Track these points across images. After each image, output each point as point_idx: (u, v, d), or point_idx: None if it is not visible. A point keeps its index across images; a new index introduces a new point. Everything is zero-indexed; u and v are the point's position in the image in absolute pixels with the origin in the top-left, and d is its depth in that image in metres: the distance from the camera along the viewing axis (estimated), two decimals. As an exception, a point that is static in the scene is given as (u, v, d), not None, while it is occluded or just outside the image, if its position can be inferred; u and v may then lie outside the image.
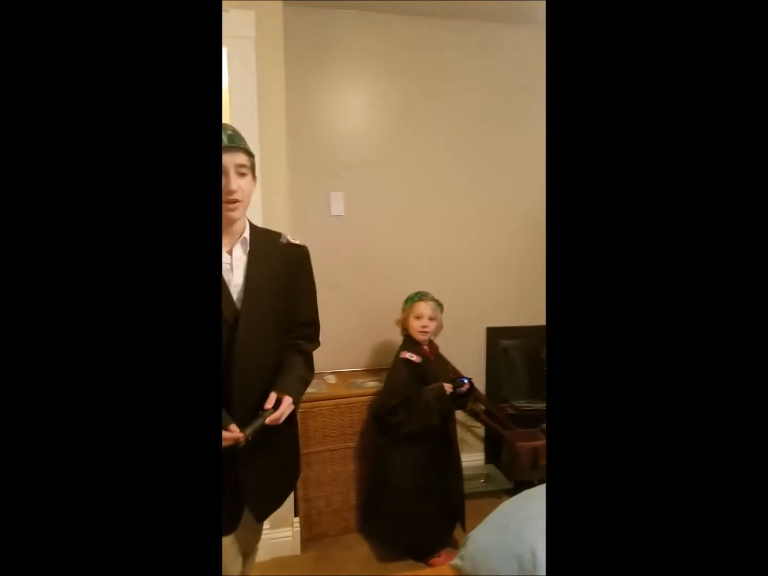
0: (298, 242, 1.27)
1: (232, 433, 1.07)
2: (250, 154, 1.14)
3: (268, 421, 1.12)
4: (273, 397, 1.14)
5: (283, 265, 1.22)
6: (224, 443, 1.04)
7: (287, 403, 1.16)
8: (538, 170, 2.50)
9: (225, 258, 1.15)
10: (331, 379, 2.21)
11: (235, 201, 1.09)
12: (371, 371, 2.33)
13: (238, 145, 1.11)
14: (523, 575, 1.21)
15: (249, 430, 1.09)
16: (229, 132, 1.11)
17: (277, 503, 1.34)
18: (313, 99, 2.22)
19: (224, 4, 1.70)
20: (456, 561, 1.42)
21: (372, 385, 2.16)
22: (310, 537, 2.05)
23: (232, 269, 1.16)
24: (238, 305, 1.15)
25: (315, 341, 1.34)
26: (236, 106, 1.72)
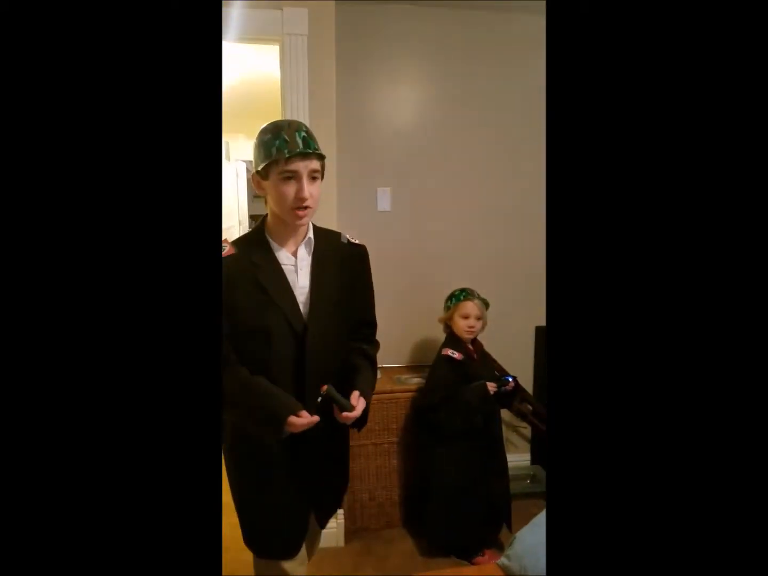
0: (357, 242, 1.26)
1: (306, 418, 1.06)
2: (322, 158, 1.11)
3: (342, 416, 1.09)
4: (356, 395, 1.11)
5: (345, 266, 1.21)
6: (300, 428, 1.05)
7: (362, 405, 1.13)
8: None
9: (289, 259, 1.14)
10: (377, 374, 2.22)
11: (306, 207, 1.07)
12: (415, 367, 2.33)
13: (314, 149, 1.07)
14: None
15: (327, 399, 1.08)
16: (303, 134, 1.08)
17: (335, 507, 1.37)
18: (363, 95, 2.23)
19: (278, 3, 1.74)
20: (502, 560, 1.40)
21: (416, 381, 2.15)
22: (353, 530, 2.07)
23: (296, 270, 1.15)
24: (305, 308, 1.14)
25: (374, 342, 1.33)
26: (287, 103, 1.75)
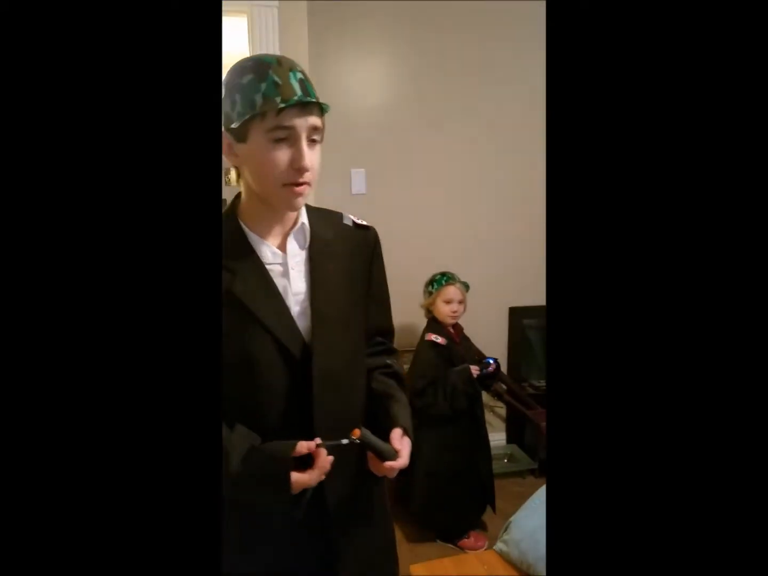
0: (365, 223, 0.91)
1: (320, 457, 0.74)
2: (325, 111, 0.78)
3: (384, 467, 0.78)
4: (399, 434, 0.81)
5: (354, 257, 0.86)
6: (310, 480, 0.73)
7: (408, 447, 0.81)
8: None
9: (276, 257, 0.80)
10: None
11: (304, 183, 0.75)
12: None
13: (313, 96, 0.75)
14: None
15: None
16: (300, 75, 0.75)
17: None
18: (336, 73, 2.14)
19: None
20: (499, 546, 1.40)
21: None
22: None
23: (287, 271, 0.80)
24: (305, 323, 0.80)
25: (395, 352, 0.99)
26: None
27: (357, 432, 0.75)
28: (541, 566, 1.24)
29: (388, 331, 0.98)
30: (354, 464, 0.81)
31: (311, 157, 0.75)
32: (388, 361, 0.94)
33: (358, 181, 2.21)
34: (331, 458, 0.74)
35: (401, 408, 0.87)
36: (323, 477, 0.74)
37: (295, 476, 0.72)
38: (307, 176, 0.75)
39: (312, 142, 0.76)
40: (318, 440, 0.74)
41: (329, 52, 2.10)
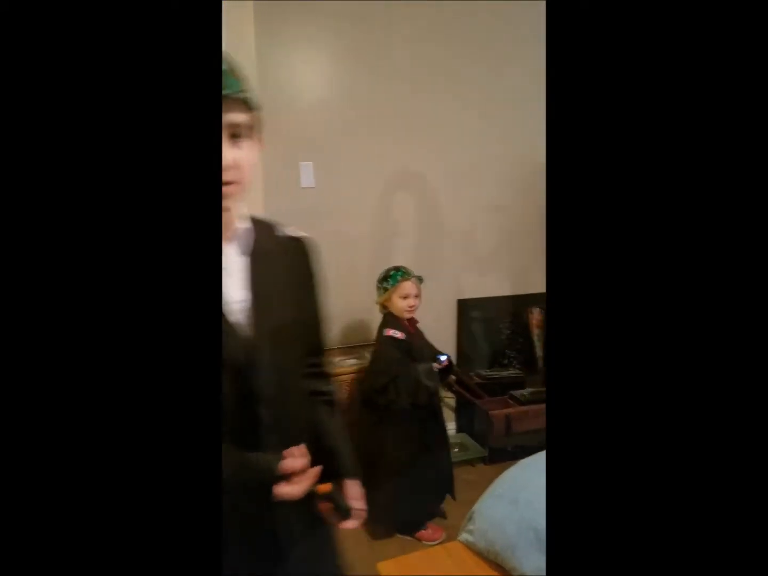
0: (300, 235, 0.87)
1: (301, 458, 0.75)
2: (251, 106, 0.72)
3: (343, 525, 0.82)
4: (355, 489, 0.85)
5: (291, 270, 0.84)
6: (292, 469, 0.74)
7: (362, 499, 0.85)
8: (511, 143, 2.49)
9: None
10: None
11: (229, 183, 0.70)
12: (347, 349, 2.27)
13: (238, 90, 0.70)
14: (541, 546, 1.23)
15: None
16: (223, 67, 0.69)
17: None
18: (284, 67, 2.06)
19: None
20: (465, 536, 1.42)
21: (352, 362, 2.10)
22: None
23: (225, 278, 0.74)
24: (245, 332, 0.75)
25: (329, 378, 0.95)
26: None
27: (327, 487, 0.78)
28: (510, 555, 1.27)
29: (319, 350, 0.93)
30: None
31: (234, 154, 0.70)
32: (325, 389, 0.92)
33: (307, 175, 2.14)
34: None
35: (346, 453, 0.89)
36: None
37: (284, 488, 0.73)
38: (231, 175, 0.70)
39: (234, 138, 0.70)
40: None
41: (276, 46, 2.02)
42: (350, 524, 0.82)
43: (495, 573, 1.28)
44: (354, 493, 0.84)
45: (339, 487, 0.82)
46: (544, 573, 1.28)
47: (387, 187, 2.32)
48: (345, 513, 0.81)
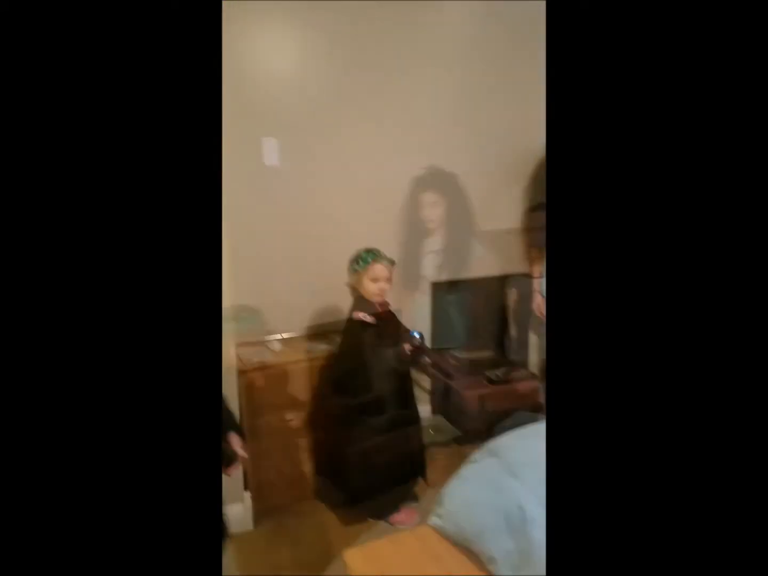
0: None
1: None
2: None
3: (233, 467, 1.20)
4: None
5: None
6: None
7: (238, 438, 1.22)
8: (487, 122, 2.43)
9: None
10: (276, 346, 2.06)
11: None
12: (318, 334, 2.21)
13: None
14: (511, 530, 1.21)
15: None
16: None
17: None
18: (247, 29, 1.94)
19: None
20: (434, 520, 1.39)
21: (322, 348, 2.04)
22: (263, 510, 1.95)
23: None
24: None
25: None
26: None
27: None
28: (479, 539, 1.25)
29: None
30: None
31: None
32: None
33: (271, 152, 2.05)
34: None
35: (227, 406, 1.26)
36: None
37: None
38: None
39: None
40: None
41: (241, 14, 1.90)
42: (233, 469, 1.10)
43: (464, 557, 1.26)
44: (237, 442, 1.14)
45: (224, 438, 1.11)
46: (513, 557, 1.26)
47: (359, 166, 2.24)
48: (229, 459, 1.09)
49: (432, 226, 2.40)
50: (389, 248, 1.99)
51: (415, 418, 1.98)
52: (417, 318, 2.45)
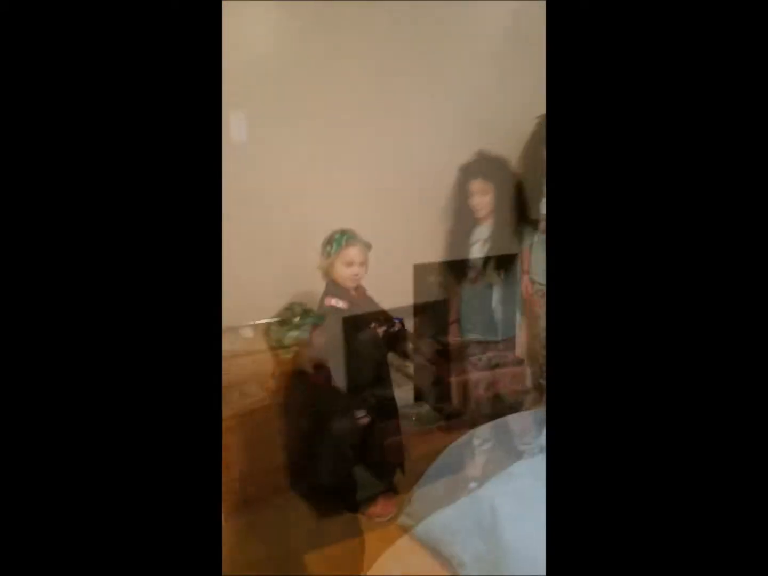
0: None
1: None
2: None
3: None
4: None
5: None
6: None
7: None
8: (464, 98, 2.30)
9: None
10: (248, 333, 1.97)
11: None
12: (289, 320, 2.11)
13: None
14: (482, 532, 1.14)
15: None
16: None
17: None
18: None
19: None
20: (403, 519, 1.33)
21: (293, 335, 1.95)
22: (233, 506, 1.88)
23: None
24: None
25: None
26: None
27: None
28: (449, 541, 1.17)
29: None
30: None
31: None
32: None
33: (239, 127, 1.92)
34: None
35: None
36: None
37: None
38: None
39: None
40: None
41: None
42: None
43: (433, 562, 1.19)
44: None
45: None
46: (484, 560, 1.18)
47: (335, 143, 2.12)
48: None
49: (481, 215, 2.30)
50: (363, 228, 1.88)
51: (392, 406, 1.90)
52: (466, 309, 2.40)
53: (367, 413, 1.74)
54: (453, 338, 2.51)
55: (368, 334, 1.71)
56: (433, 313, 2.55)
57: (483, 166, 2.25)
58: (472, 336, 2.42)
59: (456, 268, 2.42)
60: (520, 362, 2.48)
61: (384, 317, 1.96)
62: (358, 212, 2.14)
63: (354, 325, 1.75)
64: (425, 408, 2.46)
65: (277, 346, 1.90)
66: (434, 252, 2.45)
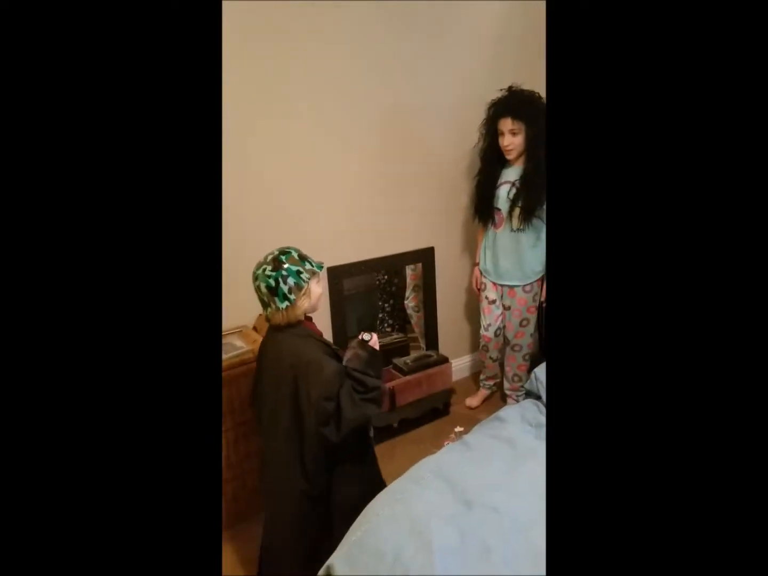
0: None
1: None
2: None
3: None
4: None
5: None
6: None
7: None
8: (394, 106, 2.20)
9: None
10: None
11: None
12: (238, 332, 2.04)
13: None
14: (428, 548, 1.08)
15: None
16: None
17: None
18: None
19: None
20: (332, 560, 1.23)
21: (244, 349, 1.84)
22: (226, 522, 1.86)
23: None
24: None
25: None
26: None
27: None
28: (393, 560, 1.10)
29: None
30: None
31: None
32: None
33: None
34: None
35: None
36: None
37: None
38: None
39: None
40: None
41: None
42: None
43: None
44: None
45: None
46: None
47: (305, 146, 1.95)
48: None
49: (511, 156, 2.17)
50: (292, 237, 1.73)
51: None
52: (490, 254, 2.33)
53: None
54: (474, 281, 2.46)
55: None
56: (352, 316, 2.44)
57: (514, 103, 2.11)
58: (492, 279, 2.36)
59: (481, 211, 2.31)
60: (445, 361, 2.47)
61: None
62: (274, 224, 1.98)
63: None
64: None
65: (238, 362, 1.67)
66: (349, 254, 2.33)
